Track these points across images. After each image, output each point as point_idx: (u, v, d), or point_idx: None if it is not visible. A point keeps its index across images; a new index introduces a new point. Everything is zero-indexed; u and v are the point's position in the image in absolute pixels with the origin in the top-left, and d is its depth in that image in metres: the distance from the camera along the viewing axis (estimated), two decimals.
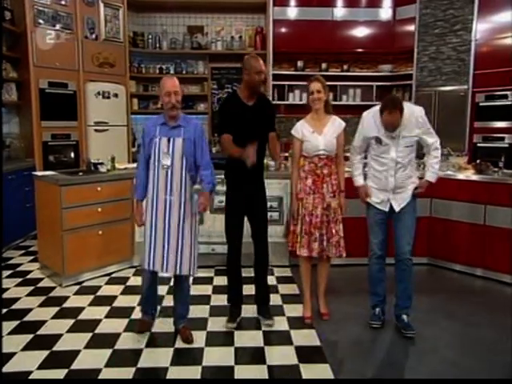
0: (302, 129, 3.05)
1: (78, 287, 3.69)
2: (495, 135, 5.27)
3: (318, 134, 3.01)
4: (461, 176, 4.16)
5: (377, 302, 3.12)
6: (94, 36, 5.74)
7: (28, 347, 2.75)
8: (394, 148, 2.89)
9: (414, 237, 2.99)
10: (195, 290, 3.68)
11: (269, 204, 3.52)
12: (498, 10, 5.20)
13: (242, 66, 2.92)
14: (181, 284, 2.89)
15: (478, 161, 4.29)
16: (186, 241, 2.72)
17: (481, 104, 5.37)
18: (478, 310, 3.38)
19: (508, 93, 5.10)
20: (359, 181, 3.09)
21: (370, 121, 2.95)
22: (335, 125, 3.05)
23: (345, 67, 6.52)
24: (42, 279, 3.86)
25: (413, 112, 2.89)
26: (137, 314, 3.19)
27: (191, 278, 3.14)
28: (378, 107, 2.89)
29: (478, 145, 5.42)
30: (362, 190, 3.07)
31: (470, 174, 4.15)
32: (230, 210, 3.05)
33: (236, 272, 3.12)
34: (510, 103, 5.10)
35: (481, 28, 5.36)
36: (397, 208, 2.97)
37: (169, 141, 2.69)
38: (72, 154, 5.58)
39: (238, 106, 2.93)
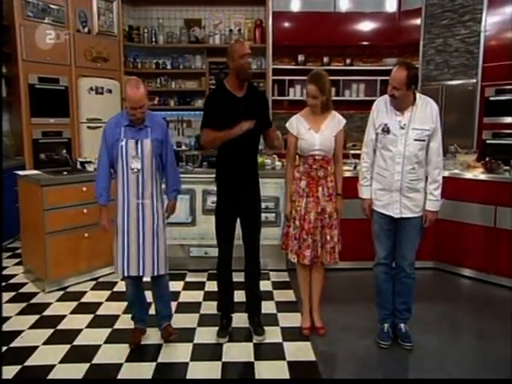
0: (297, 124, 2.82)
1: (61, 293, 3.50)
2: (506, 131, 4.98)
3: (314, 132, 2.77)
4: (469, 175, 3.91)
5: (384, 316, 2.85)
6: (86, 29, 5.53)
7: None
8: (403, 140, 2.61)
9: (416, 252, 2.75)
10: (186, 296, 3.50)
11: (264, 205, 3.32)
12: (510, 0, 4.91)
13: (227, 54, 2.66)
14: (160, 284, 2.78)
15: (487, 159, 4.03)
16: (161, 241, 2.67)
17: (491, 98, 5.09)
18: (490, 321, 3.13)
19: None
20: (365, 194, 2.79)
21: (381, 105, 2.71)
22: (334, 121, 2.81)
23: (348, 61, 6.24)
24: (25, 284, 3.67)
25: (428, 103, 2.65)
26: (121, 324, 3.01)
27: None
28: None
29: (488, 141, 5.13)
30: (367, 203, 2.79)
31: (479, 173, 3.90)
32: (220, 213, 2.83)
33: (226, 278, 2.89)
34: None
35: (491, 19, 5.06)
36: (397, 213, 2.68)
37: (136, 143, 2.56)
38: (64, 152, 5.39)
39: (226, 98, 2.67)
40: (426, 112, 2.62)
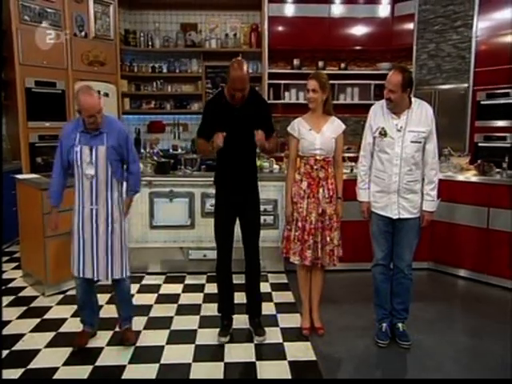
0: (298, 126, 2.88)
1: (61, 296, 3.52)
2: (497, 134, 5.10)
3: (315, 132, 2.83)
4: (462, 177, 4.00)
5: (383, 315, 2.91)
6: (83, 33, 5.55)
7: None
8: (400, 142, 2.68)
9: (413, 253, 2.82)
10: (185, 298, 3.53)
11: (263, 207, 3.36)
12: (500, 6, 5.01)
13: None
14: (119, 287, 2.82)
15: (479, 161, 4.12)
16: (115, 246, 2.70)
17: (482, 102, 5.19)
18: (485, 320, 3.20)
19: (510, 91, 4.91)
20: (363, 197, 2.86)
21: (378, 109, 2.78)
22: (334, 125, 2.88)
23: (342, 65, 6.34)
24: (24, 288, 3.67)
25: (423, 106, 2.73)
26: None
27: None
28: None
29: (479, 144, 5.24)
30: (365, 206, 2.86)
31: (471, 176, 3.98)
32: (219, 215, 2.87)
33: (226, 280, 2.94)
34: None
35: (482, 24, 5.17)
36: (396, 214, 2.75)
37: (91, 150, 2.59)
38: None
39: (223, 106, 2.71)
40: (421, 114, 2.70)
